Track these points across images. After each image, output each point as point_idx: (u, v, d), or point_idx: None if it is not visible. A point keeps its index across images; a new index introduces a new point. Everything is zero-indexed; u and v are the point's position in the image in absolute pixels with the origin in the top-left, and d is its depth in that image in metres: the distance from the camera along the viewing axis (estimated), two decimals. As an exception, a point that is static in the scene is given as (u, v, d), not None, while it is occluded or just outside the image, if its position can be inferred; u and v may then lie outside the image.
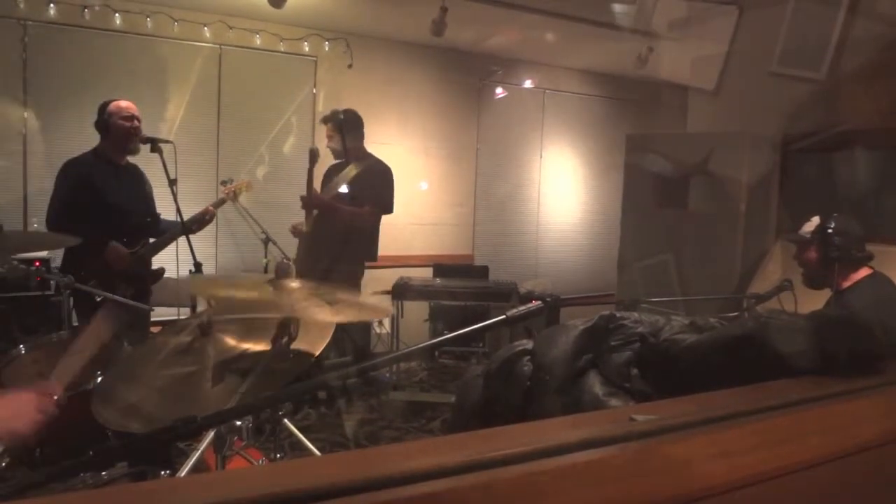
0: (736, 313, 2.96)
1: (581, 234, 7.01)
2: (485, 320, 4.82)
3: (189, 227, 3.57)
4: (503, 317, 1.46)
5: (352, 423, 4.40)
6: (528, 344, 1.53)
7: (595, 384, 1.36)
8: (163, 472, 1.33)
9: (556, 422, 0.85)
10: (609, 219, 5.85)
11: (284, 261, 1.77)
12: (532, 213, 6.79)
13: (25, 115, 4.60)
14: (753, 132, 4.02)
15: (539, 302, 1.50)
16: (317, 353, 1.91)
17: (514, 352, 1.49)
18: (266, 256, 4.66)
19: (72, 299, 3.09)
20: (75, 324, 3.49)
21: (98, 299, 3.03)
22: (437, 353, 5.87)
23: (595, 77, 6.87)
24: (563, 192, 6.93)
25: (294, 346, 1.91)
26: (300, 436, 2.44)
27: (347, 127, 4.39)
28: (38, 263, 4.00)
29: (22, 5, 4.49)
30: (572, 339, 1.44)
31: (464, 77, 6.17)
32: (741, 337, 1.23)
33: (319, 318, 1.92)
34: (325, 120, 4.49)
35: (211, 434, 1.46)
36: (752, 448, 0.77)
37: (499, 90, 6.34)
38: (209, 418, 1.56)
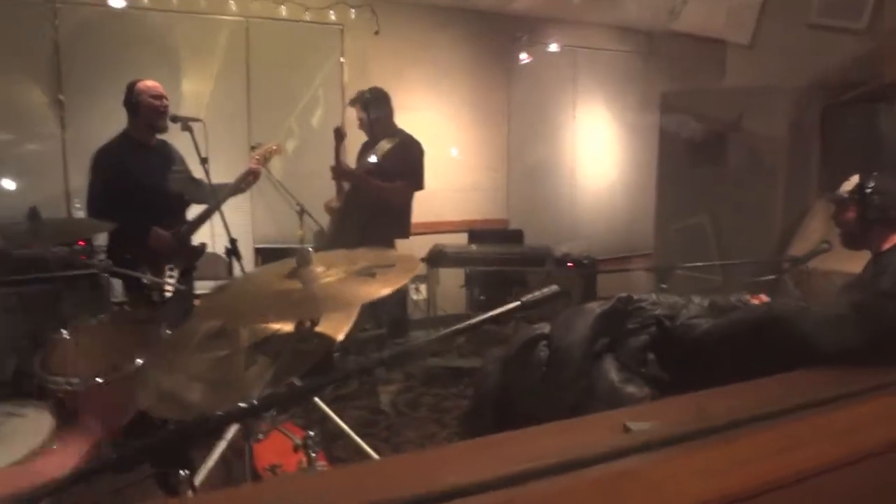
0: (774, 276, 2.90)
1: (617, 194, 6.89)
2: (521, 285, 4.88)
3: (235, 190, 3.69)
4: (517, 303, 1.46)
5: (390, 390, 4.47)
6: (545, 328, 1.52)
7: (611, 369, 1.36)
8: (182, 473, 1.37)
9: (545, 430, 0.84)
10: (645, 178, 5.73)
11: (303, 247, 1.78)
12: (566, 174, 6.70)
13: (61, 97, 4.69)
14: (792, 86, 3.87)
15: (555, 286, 1.49)
16: (341, 335, 1.94)
17: (531, 336, 1.49)
18: (301, 228, 4.71)
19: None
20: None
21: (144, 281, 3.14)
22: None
23: (627, 33, 6.67)
24: (597, 152, 6.81)
25: (318, 328, 1.94)
26: (331, 414, 2.49)
27: (374, 105, 4.39)
28: (82, 243, 4.11)
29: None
30: (588, 324, 1.44)
31: (492, 39, 6.05)
32: (757, 324, 1.21)
33: (349, 298, 1.88)
34: (352, 102, 4.49)
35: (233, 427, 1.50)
36: (750, 460, 0.76)
37: (524, 55, 6.20)
38: (224, 417, 1.60)
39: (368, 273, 1.82)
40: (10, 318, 3.99)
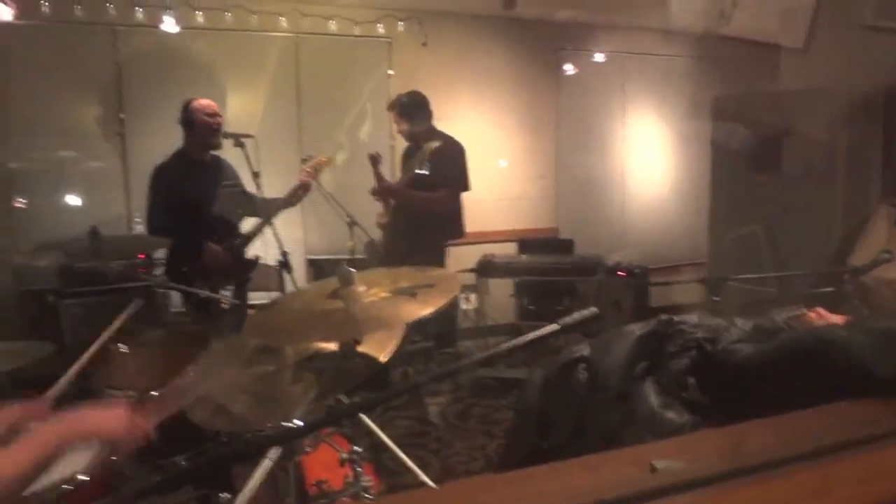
0: (832, 288, 2.80)
1: (669, 201, 6.76)
2: (571, 295, 4.84)
3: (287, 203, 3.79)
4: (556, 326, 1.45)
5: (439, 400, 4.48)
6: (584, 350, 1.50)
7: (650, 394, 1.33)
8: (222, 496, 1.39)
9: (569, 466, 0.83)
10: (697, 185, 5.61)
11: (345, 267, 1.80)
12: (617, 181, 6.61)
13: (122, 115, 4.88)
14: (849, 89, 3.74)
15: (594, 308, 1.48)
16: (384, 354, 1.96)
17: (570, 359, 1.48)
18: (351, 239, 4.77)
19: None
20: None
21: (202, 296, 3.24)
22: (524, 328, 5.88)
23: (676, 37, 6.54)
24: (648, 158, 6.70)
25: (362, 347, 1.97)
26: (378, 432, 2.51)
27: (411, 110, 4.41)
28: (142, 256, 4.25)
29: (112, 11, 4.72)
30: (628, 346, 1.41)
31: (539, 47, 6.03)
32: (802, 350, 1.17)
33: (390, 318, 1.89)
34: (390, 107, 4.53)
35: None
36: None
37: (568, 66, 6.15)
38: (271, 438, 1.64)
39: (409, 293, 1.84)
40: (73, 328, 4.18)
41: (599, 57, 6.33)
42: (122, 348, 2.60)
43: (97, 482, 1.97)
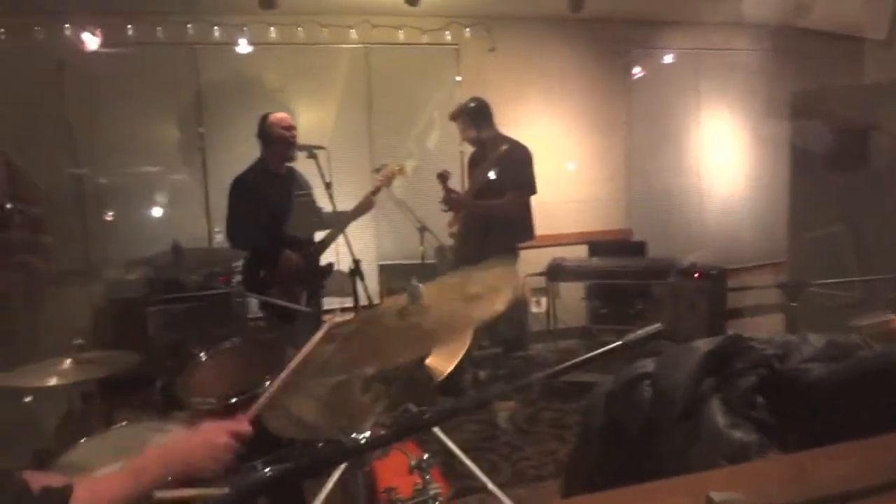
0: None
1: (746, 200, 6.54)
2: (644, 297, 4.78)
3: (351, 218, 3.87)
4: (620, 342, 1.45)
5: (509, 406, 4.48)
6: (649, 366, 1.49)
7: (717, 412, 1.31)
8: None
9: (624, 496, 0.83)
10: (776, 183, 5.40)
11: (414, 284, 1.83)
12: (692, 181, 6.44)
13: (201, 130, 5.10)
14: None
15: (658, 325, 1.47)
16: (448, 368, 1.99)
17: (635, 374, 1.46)
18: (422, 244, 4.84)
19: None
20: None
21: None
22: (595, 331, 5.81)
23: (752, 30, 6.32)
24: (724, 156, 6.50)
25: (430, 359, 2.00)
26: (450, 444, 2.54)
27: (475, 116, 4.44)
28: (223, 278, 4.42)
29: (191, 31, 4.94)
30: (695, 363, 1.39)
31: (609, 47, 5.95)
32: (879, 372, 1.12)
33: (459, 325, 1.90)
34: (453, 116, 4.56)
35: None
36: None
37: (636, 69, 6.03)
38: (348, 450, 1.69)
39: (473, 297, 1.86)
40: (158, 335, 4.42)
41: (671, 55, 6.19)
42: (203, 357, 2.71)
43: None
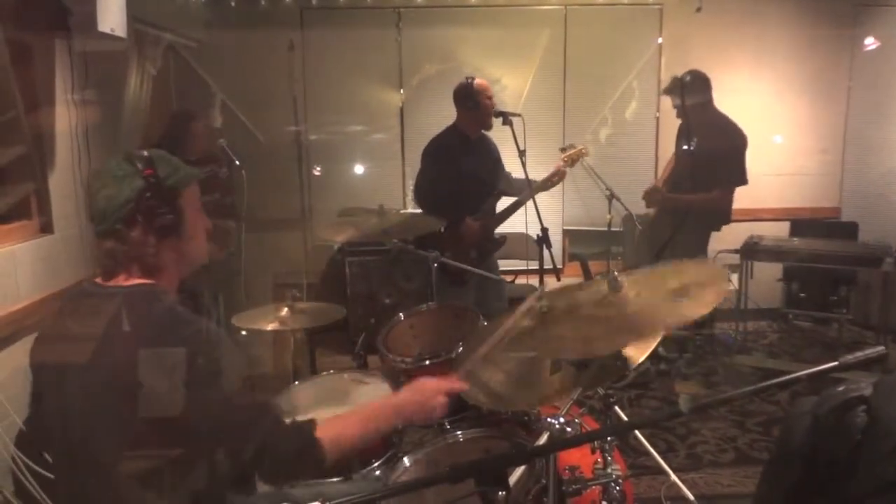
0: None
1: None
2: (850, 285, 4.48)
3: (539, 189, 3.88)
4: (835, 363, 1.42)
5: (689, 386, 4.38)
6: (865, 389, 1.40)
7: (942, 453, 1.21)
8: (500, 493, 1.54)
9: None
10: None
11: (614, 275, 1.84)
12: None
13: (401, 91, 5.33)
14: None
15: (882, 348, 1.41)
16: (641, 358, 1.98)
17: (847, 398, 1.38)
18: (610, 212, 4.78)
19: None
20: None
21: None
22: (791, 315, 5.47)
23: None
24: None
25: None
26: (652, 451, 2.55)
27: (692, 89, 4.24)
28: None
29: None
30: (920, 396, 1.30)
31: (833, 5, 5.38)
32: None
33: (662, 322, 1.88)
34: (667, 90, 4.38)
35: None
36: None
37: (870, 40, 5.37)
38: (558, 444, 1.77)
39: (678, 293, 1.83)
40: (355, 281, 4.83)
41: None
42: (401, 317, 2.92)
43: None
